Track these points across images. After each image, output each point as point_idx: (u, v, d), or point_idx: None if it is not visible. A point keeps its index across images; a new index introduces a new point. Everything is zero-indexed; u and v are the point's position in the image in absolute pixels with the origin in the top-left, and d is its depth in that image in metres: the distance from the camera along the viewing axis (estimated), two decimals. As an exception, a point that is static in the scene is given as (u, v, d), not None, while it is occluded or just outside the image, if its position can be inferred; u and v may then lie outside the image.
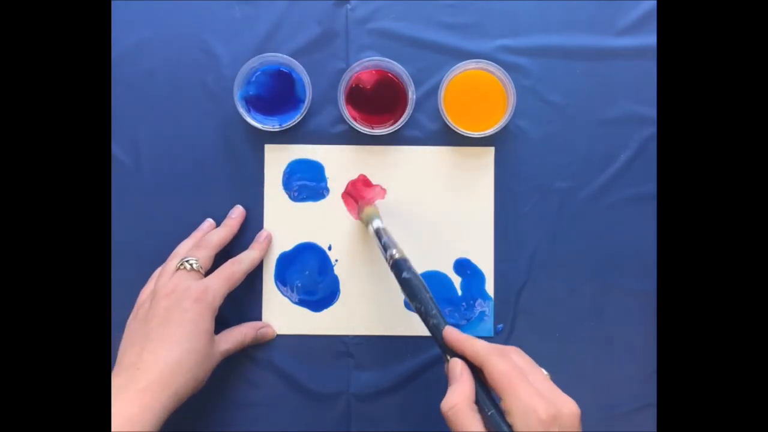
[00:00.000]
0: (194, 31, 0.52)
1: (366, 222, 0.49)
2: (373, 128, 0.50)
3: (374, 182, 0.52)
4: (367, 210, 0.50)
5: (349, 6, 0.52)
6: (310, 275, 0.52)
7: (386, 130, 0.50)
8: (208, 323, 0.45)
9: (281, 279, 0.52)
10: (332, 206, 0.52)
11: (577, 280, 0.52)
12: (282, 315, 0.52)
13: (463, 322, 0.52)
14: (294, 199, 0.52)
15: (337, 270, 0.52)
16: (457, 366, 0.40)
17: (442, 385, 0.52)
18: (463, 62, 0.50)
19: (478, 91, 0.51)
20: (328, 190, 0.52)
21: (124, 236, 0.51)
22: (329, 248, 0.52)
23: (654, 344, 0.51)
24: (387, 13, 0.52)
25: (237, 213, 0.51)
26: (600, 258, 0.52)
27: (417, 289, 0.43)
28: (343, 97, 0.50)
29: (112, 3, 0.51)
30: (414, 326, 0.52)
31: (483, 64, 0.50)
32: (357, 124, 0.50)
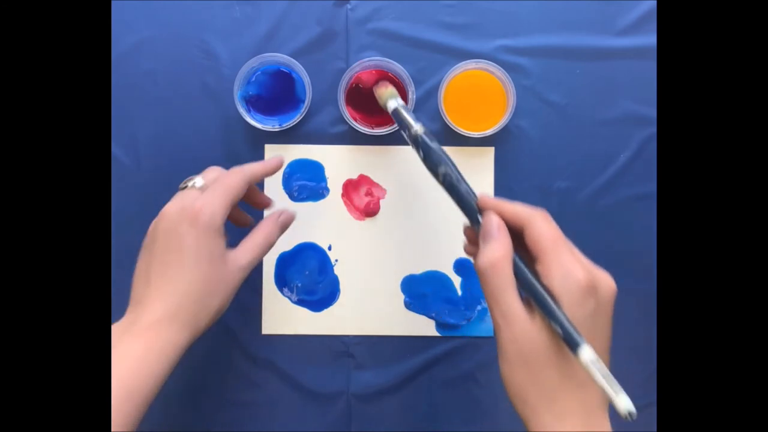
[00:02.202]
0: (194, 31, 0.52)
1: (383, 103, 0.46)
2: (373, 128, 0.50)
3: (374, 182, 0.52)
4: (381, 92, 0.47)
5: (349, 6, 0.52)
6: (310, 275, 0.52)
7: (386, 130, 0.50)
8: (211, 245, 0.40)
9: (281, 279, 0.52)
10: (332, 206, 0.52)
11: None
12: (282, 315, 0.52)
13: (463, 322, 0.52)
14: (294, 199, 0.52)
15: (337, 270, 0.52)
16: (493, 221, 0.36)
17: (441, 385, 0.52)
18: (463, 62, 0.50)
19: (478, 91, 0.51)
20: (328, 190, 0.52)
21: (124, 236, 0.51)
22: (329, 248, 0.52)
23: (654, 344, 0.51)
24: (387, 13, 0.52)
25: (273, 158, 0.46)
26: (600, 258, 0.52)
27: (444, 158, 0.39)
28: (343, 97, 0.50)
29: (112, 3, 0.51)
30: (414, 326, 0.52)
31: (483, 64, 0.50)
32: (357, 124, 0.50)
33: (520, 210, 0.37)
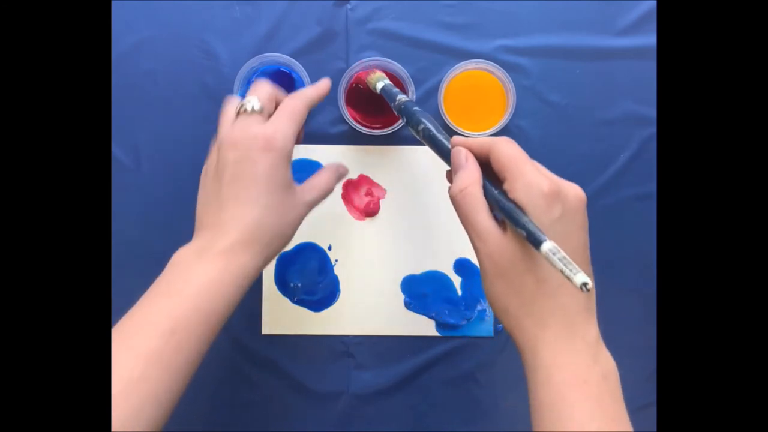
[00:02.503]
0: (194, 31, 0.52)
1: (373, 87, 0.48)
2: (373, 128, 0.50)
3: (374, 182, 0.52)
4: (371, 77, 0.48)
5: (349, 6, 0.52)
6: (310, 275, 0.52)
7: (386, 130, 0.50)
8: (284, 172, 0.40)
9: (281, 279, 0.52)
10: (332, 206, 0.52)
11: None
12: (282, 315, 0.52)
13: (463, 322, 0.52)
14: (294, 199, 0.52)
15: (337, 270, 0.52)
16: (461, 153, 0.38)
17: (442, 385, 0.52)
18: (463, 62, 0.50)
19: (478, 91, 0.51)
20: (328, 190, 0.52)
21: (124, 236, 0.51)
22: (329, 248, 0.52)
23: (654, 344, 0.51)
24: (387, 13, 0.52)
25: (321, 82, 0.45)
26: (600, 258, 0.52)
27: (422, 117, 0.42)
28: (343, 97, 0.50)
29: (112, 3, 0.51)
30: (414, 326, 0.52)
31: (483, 64, 0.50)
32: (357, 124, 0.50)
33: (485, 140, 0.38)
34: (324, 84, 0.44)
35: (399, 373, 0.52)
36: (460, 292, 0.52)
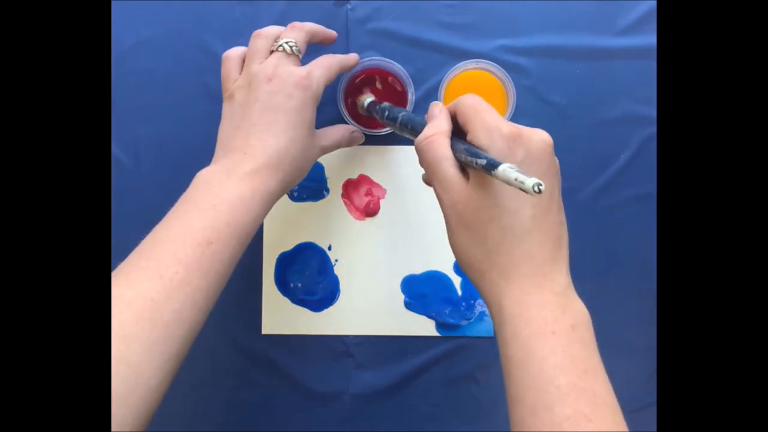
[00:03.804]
0: (194, 31, 0.52)
1: (360, 108, 0.49)
2: (373, 128, 0.50)
3: (374, 182, 0.52)
4: (359, 100, 0.50)
5: (349, 6, 0.52)
6: (310, 275, 0.52)
7: (386, 130, 0.50)
8: (311, 113, 0.43)
9: (281, 279, 0.52)
10: (332, 206, 0.52)
11: (577, 280, 0.52)
12: (282, 315, 0.52)
13: (463, 322, 0.52)
14: (294, 199, 0.52)
15: (337, 270, 0.52)
16: (437, 105, 0.40)
17: (441, 385, 0.52)
18: (463, 62, 0.50)
19: (478, 91, 0.50)
20: (328, 190, 0.52)
21: (124, 236, 0.51)
22: (329, 248, 0.52)
23: (654, 344, 0.51)
24: (387, 13, 0.52)
25: (350, 56, 0.48)
26: (600, 258, 0.52)
27: (398, 109, 0.44)
28: (343, 97, 0.50)
29: (112, 3, 0.51)
30: (414, 326, 0.52)
31: (483, 64, 0.50)
32: (357, 125, 0.50)
33: (455, 101, 0.39)
34: (354, 57, 0.48)
35: (399, 373, 0.52)
36: (460, 292, 0.52)
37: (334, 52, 0.52)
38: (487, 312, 0.52)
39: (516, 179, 0.31)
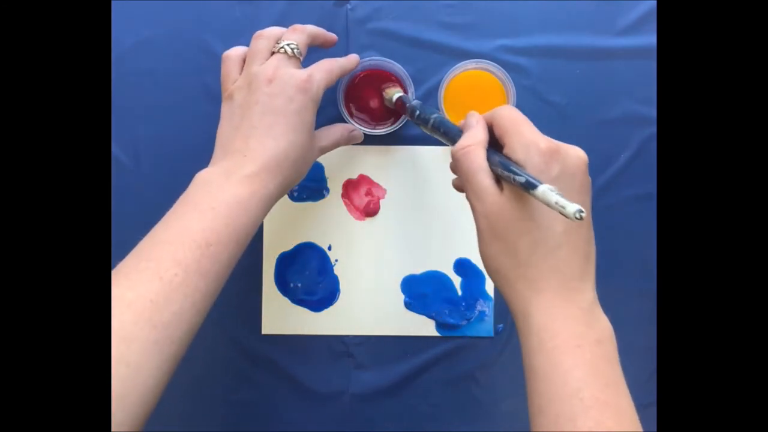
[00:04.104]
0: (194, 31, 0.52)
1: (387, 101, 0.49)
2: (373, 128, 0.50)
3: (374, 182, 0.52)
4: (387, 92, 0.49)
5: (349, 6, 0.52)
6: (310, 275, 0.52)
7: (386, 130, 0.50)
8: (311, 116, 0.43)
9: (281, 279, 0.52)
10: (332, 206, 0.52)
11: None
12: (282, 315, 0.52)
13: (463, 322, 0.52)
14: (294, 199, 0.52)
15: (337, 270, 0.52)
16: (474, 115, 0.40)
17: (441, 385, 0.52)
18: (463, 62, 0.50)
19: (478, 91, 0.51)
20: (328, 190, 0.52)
21: (124, 236, 0.51)
22: (329, 248, 0.52)
23: (654, 344, 0.51)
24: (387, 13, 0.52)
25: (351, 56, 0.48)
26: (600, 258, 0.52)
27: (430, 110, 0.44)
28: (343, 97, 0.50)
29: (112, 3, 0.51)
30: (414, 326, 0.52)
31: (483, 64, 0.50)
32: (356, 125, 0.50)
33: (490, 111, 0.39)
34: (354, 58, 0.48)
35: (399, 373, 0.52)
36: (460, 292, 0.52)
37: (334, 52, 0.52)
38: (487, 312, 0.52)
39: (556, 203, 0.32)
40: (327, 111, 0.52)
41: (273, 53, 0.44)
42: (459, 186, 0.40)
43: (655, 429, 0.37)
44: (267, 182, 0.41)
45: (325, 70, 0.44)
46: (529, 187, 0.34)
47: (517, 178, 0.35)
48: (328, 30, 0.52)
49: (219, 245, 0.39)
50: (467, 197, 0.38)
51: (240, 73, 0.44)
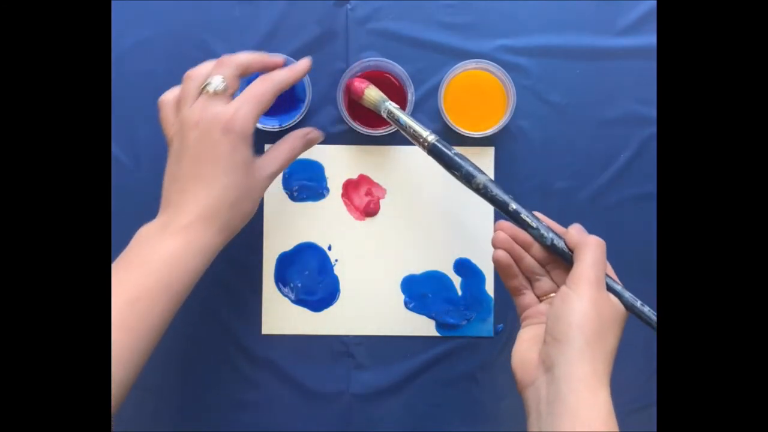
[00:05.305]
0: (194, 31, 0.52)
1: (374, 106, 0.47)
2: (373, 128, 0.50)
3: (374, 182, 0.52)
4: (369, 93, 0.48)
5: (349, 6, 0.52)
6: (310, 275, 0.52)
7: (386, 130, 0.50)
8: (243, 153, 0.41)
9: (281, 279, 0.52)
10: (332, 206, 0.52)
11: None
12: (282, 315, 0.52)
13: (463, 322, 0.52)
14: (294, 199, 0.52)
15: (337, 270, 0.52)
16: (582, 230, 0.43)
17: (442, 385, 0.52)
18: (463, 62, 0.50)
19: (478, 91, 0.51)
20: (328, 190, 0.52)
21: (124, 236, 0.51)
22: (329, 248, 0.52)
23: (654, 344, 0.51)
24: (387, 13, 0.52)
25: (279, 57, 0.46)
26: (600, 258, 0.52)
27: (471, 167, 0.44)
28: (343, 97, 0.50)
29: (112, 3, 0.51)
30: (414, 326, 0.52)
31: (483, 64, 0.50)
32: (357, 125, 0.50)
33: (575, 231, 0.43)
34: (302, 65, 0.45)
35: (399, 373, 0.52)
36: (460, 292, 0.52)
37: (334, 52, 0.52)
38: (488, 314, 0.52)
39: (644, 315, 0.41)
40: (328, 111, 0.52)
41: (200, 94, 0.42)
42: (501, 243, 0.43)
43: (654, 429, 0.37)
44: (203, 232, 0.40)
45: (254, 99, 0.42)
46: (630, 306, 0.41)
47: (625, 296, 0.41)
48: (327, 30, 0.52)
49: (148, 300, 0.38)
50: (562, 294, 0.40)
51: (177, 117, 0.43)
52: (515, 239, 0.43)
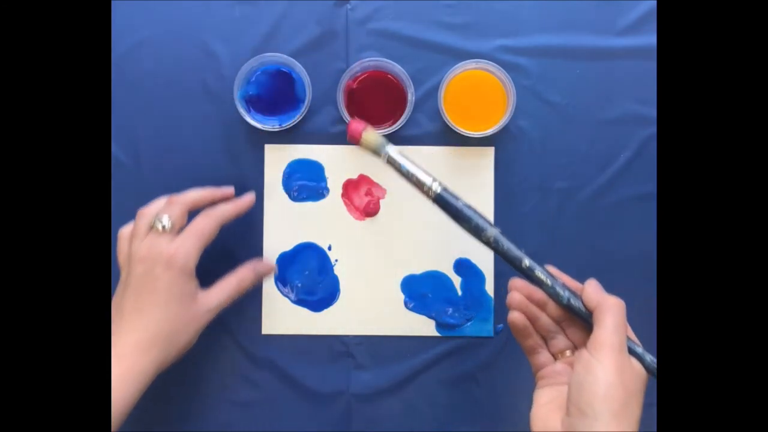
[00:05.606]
0: (194, 31, 0.52)
1: (373, 149, 0.44)
2: (372, 128, 0.50)
3: (374, 182, 0.52)
4: (368, 136, 0.44)
5: (349, 6, 0.52)
6: (310, 275, 0.52)
7: (386, 130, 0.50)
8: (184, 287, 0.44)
9: (281, 279, 0.52)
10: (332, 206, 0.52)
11: (577, 280, 0.52)
12: (282, 315, 0.52)
13: (463, 322, 0.52)
14: (294, 199, 0.52)
15: (337, 270, 0.52)
16: (593, 285, 0.42)
17: (442, 385, 0.52)
18: (463, 62, 0.50)
19: (478, 91, 0.51)
20: (328, 190, 0.52)
21: (124, 236, 0.51)
22: (329, 248, 0.52)
23: (654, 344, 0.50)
24: (387, 13, 0.52)
25: (227, 189, 0.49)
26: (600, 258, 0.52)
27: (482, 220, 0.43)
28: (343, 97, 0.50)
29: (112, 3, 0.51)
30: (414, 326, 0.52)
31: (483, 64, 0.50)
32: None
33: (593, 291, 0.41)
34: (247, 200, 0.49)
35: (399, 373, 0.52)
36: (460, 292, 0.52)
37: (334, 52, 0.52)
38: (489, 314, 0.52)
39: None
40: (328, 111, 0.52)
41: (149, 231, 0.45)
42: (516, 305, 0.43)
43: (654, 429, 0.37)
44: (138, 360, 0.42)
45: (194, 235, 0.45)
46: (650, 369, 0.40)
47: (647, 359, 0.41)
48: (327, 30, 0.52)
49: None
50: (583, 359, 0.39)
51: None
52: (530, 298, 0.43)
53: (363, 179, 0.52)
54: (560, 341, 0.43)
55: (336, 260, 0.52)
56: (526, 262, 0.42)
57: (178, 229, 0.45)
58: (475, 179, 0.52)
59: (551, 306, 0.43)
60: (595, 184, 0.52)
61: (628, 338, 0.41)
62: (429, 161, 0.52)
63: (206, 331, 0.47)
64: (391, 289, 0.52)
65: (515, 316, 0.43)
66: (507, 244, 0.42)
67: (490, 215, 0.52)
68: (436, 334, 0.52)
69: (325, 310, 0.52)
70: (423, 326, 0.52)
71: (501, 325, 0.52)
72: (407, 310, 0.52)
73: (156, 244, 0.44)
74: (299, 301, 0.52)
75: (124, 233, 0.47)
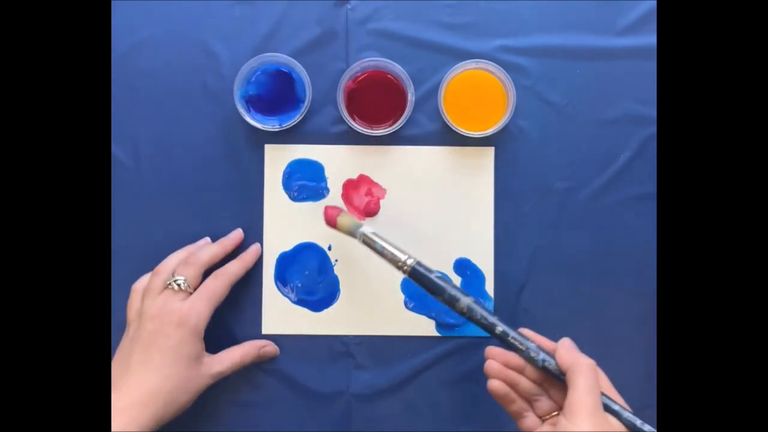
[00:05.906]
0: (194, 31, 0.52)
1: (349, 232, 0.48)
2: (372, 128, 0.50)
3: (374, 182, 0.52)
4: (342, 220, 0.48)
5: (349, 6, 0.52)
6: (310, 275, 0.52)
7: (386, 130, 0.50)
8: (191, 347, 0.45)
9: (281, 279, 0.52)
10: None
11: (577, 280, 0.52)
12: (282, 315, 0.52)
13: (463, 322, 0.52)
14: (294, 199, 0.52)
15: (337, 270, 0.52)
16: (573, 348, 0.42)
17: (442, 385, 0.52)
18: (463, 62, 0.50)
19: (478, 91, 0.51)
20: (328, 190, 0.52)
21: (123, 237, 0.51)
22: (329, 248, 0.52)
23: (654, 344, 0.51)
24: (387, 13, 0.52)
25: (235, 235, 0.51)
26: (600, 258, 0.52)
27: (452, 289, 0.45)
28: (343, 97, 0.50)
29: (112, 3, 0.51)
30: (414, 326, 0.52)
31: (483, 64, 0.50)
32: (356, 125, 0.50)
33: (568, 352, 0.42)
34: (251, 253, 0.51)
35: (399, 373, 0.52)
36: (460, 292, 0.52)
37: (334, 52, 0.52)
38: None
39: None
40: (328, 111, 0.52)
41: (165, 289, 0.46)
42: (495, 373, 0.44)
43: (655, 429, 0.37)
44: (137, 415, 0.42)
45: (206, 297, 0.46)
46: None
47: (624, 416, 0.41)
48: (327, 30, 0.52)
49: None
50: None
51: None
52: (507, 364, 0.44)
53: (363, 179, 0.52)
54: (544, 403, 0.44)
55: (336, 260, 0.52)
56: (500, 328, 0.44)
57: (191, 291, 0.47)
58: (475, 179, 0.52)
59: (530, 369, 0.44)
60: (595, 184, 0.52)
61: (606, 396, 0.41)
62: (429, 161, 0.52)
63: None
64: (391, 289, 0.52)
65: (495, 385, 0.44)
66: (481, 312, 0.44)
67: (490, 215, 0.52)
68: (436, 334, 0.52)
69: (325, 310, 0.52)
70: (423, 326, 0.52)
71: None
72: (407, 310, 0.52)
73: (169, 302, 0.45)
74: (299, 301, 0.52)
75: (137, 288, 0.48)
